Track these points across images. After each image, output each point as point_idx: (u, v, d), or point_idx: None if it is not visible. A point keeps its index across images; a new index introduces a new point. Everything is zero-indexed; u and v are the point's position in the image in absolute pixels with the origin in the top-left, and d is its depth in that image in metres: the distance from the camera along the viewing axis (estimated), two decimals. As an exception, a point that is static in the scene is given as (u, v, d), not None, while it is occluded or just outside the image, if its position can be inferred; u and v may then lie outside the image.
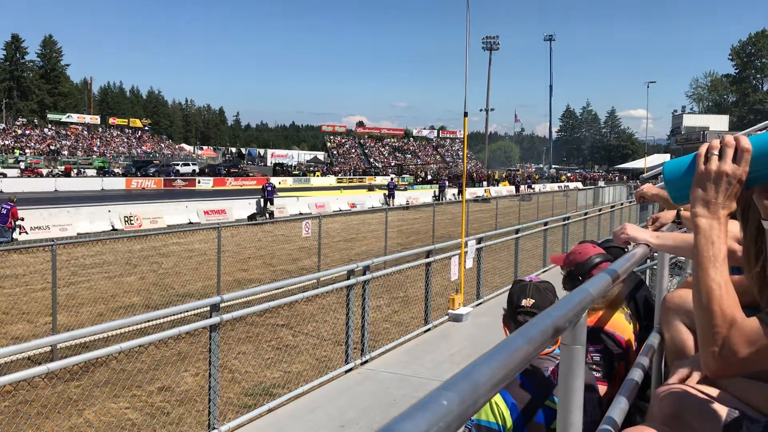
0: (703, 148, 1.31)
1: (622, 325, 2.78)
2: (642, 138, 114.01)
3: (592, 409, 2.16)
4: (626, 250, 2.92)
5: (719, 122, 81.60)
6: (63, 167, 63.41)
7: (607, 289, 1.58)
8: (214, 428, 6.20)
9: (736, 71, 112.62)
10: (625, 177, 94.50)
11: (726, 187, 1.26)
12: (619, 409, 1.78)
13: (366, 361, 8.24)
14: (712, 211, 1.27)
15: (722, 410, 1.56)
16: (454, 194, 50.39)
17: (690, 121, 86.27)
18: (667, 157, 71.01)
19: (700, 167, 1.29)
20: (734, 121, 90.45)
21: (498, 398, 2.09)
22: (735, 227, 1.49)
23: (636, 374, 2.11)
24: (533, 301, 2.32)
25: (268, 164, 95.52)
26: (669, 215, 2.83)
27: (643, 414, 2.50)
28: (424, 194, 49.91)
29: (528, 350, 0.99)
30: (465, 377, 0.83)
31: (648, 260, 5.93)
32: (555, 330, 1.14)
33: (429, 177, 77.42)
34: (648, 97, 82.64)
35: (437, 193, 48.81)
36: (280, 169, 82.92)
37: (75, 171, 63.14)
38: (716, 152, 1.28)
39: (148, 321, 8.53)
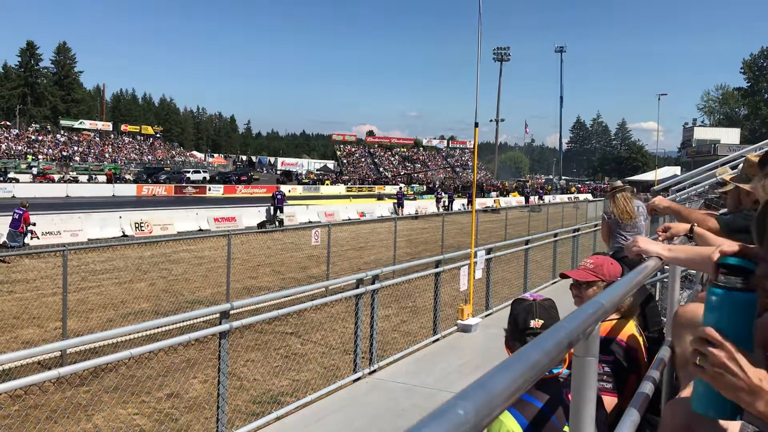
0: (697, 371, 1.26)
1: (633, 337, 2.77)
2: (652, 150, 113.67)
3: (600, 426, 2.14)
4: (623, 269, 2.91)
5: (730, 135, 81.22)
6: (104, 174, 66.42)
7: (620, 301, 1.58)
8: (221, 435, 6.20)
9: (748, 85, 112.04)
10: (635, 189, 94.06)
11: (738, 369, 1.20)
12: (630, 421, 1.77)
13: (374, 371, 8.22)
14: (760, 394, 1.19)
15: (736, 424, 1.55)
16: (463, 204, 50.35)
17: (701, 134, 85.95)
18: (677, 169, 70.63)
19: (716, 386, 1.24)
20: (745, 135, 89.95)
21: None
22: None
23: (647, 387, 2.10)
24: (542, 321, 2.23)
25: (279, 172, 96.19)
26: (681, 227, 2.82)
27: (653, 428, 2.48)
28: (433, 204, 49.90)
29: (543, 361, 1.00)
30: (481, 387, 0.83)
31: (659, 273, 5.90)
32: (569, 342, 1.14)
33: (435, 186, 77.35)
34: (659, 110, 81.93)
35: (445, 204, 48.62)
36: (286, 177, 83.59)
37: (86, 177, 63.66)
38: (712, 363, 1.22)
39: (158, 327, 8.58)
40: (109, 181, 60.96)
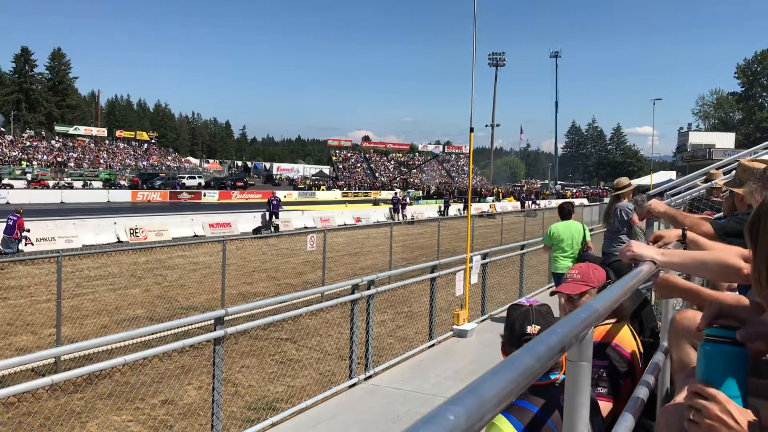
0: (691, 426, 1.25)
1: (628, 341, 2.76)
2: (648, 155, 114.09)
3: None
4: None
5: (725, 140, 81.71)
6: (132, 178, 67.75)
7: (613, 305, 1.58)
8: (216, 442, 6.17)
9: (742, 89, 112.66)
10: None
11: (732, 421, 1.18)
12: (625, 426, 1.77)
13: (370, 377, 8.20)
14: None
15: None
16: (459, 209, 50.39)
17: (696, 138, 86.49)
18: (672, 174, 70.95)
19: None
20: (740, 139, 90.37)
21: None
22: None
23: (642, 392, 2.10)
24: (539, 327, 2.22)
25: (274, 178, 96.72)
26: (672, 234, 2.81)
27: (649, 432, 2.48)
28: (429, 209, 49.93)
29: (534, 366, 0.99)
30: (472, 392, 0.83)
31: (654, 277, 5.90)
32: (561, 347, 1.14)
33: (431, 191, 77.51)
34: (654, 114, 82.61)
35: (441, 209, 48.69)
36: (269, 181, 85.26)
37: (81, 183, 63.53)
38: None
39: (152, 334, 8.54)
40: (133, 187, 61.25)
